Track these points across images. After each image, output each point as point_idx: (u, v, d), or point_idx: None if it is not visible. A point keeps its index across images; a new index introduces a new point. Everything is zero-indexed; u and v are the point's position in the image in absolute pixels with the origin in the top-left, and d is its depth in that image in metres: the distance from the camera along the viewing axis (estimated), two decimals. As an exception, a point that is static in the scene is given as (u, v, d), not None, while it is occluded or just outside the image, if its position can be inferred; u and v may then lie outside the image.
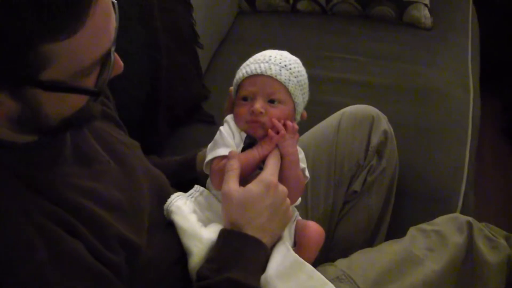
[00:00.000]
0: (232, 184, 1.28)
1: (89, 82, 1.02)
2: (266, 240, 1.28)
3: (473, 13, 2.96)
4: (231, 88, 1.44)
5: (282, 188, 1.31)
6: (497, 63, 3.22)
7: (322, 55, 2.54)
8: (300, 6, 2.86)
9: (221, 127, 1.40)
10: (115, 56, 1.05)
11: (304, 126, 1.68)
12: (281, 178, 1.34)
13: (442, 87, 2.34)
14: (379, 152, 1.71)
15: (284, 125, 1.35)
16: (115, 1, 1.01)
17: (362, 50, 2.57)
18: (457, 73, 2.46)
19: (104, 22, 0.98)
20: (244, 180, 1.32)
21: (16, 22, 0.87)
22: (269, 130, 1.34)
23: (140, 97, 1.92)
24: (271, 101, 1.36)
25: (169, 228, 1.33)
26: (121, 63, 1.09)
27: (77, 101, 1.04)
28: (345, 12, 2.82)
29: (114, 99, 1.49)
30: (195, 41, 2.26)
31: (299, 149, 1.41)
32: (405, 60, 2.50)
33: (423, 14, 2.70)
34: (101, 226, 1.13)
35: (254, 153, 1.35)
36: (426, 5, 2.71)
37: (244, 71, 1.39)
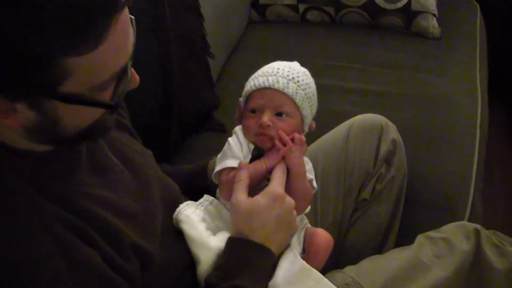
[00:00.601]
0: (240, 194, 1.30)
1: (106, 95, 1.03)
2: (273, 248, 1.30)
3: (481, 22, 2.96)
4: (241, 99, 1.44)
5: (289, 199, 1.32)
6: (505, 72, 3.21)
7: (332, 64, 2.55)
8: (309, 16, 2.87)
9: (229, 139, 1.41)
10: (131, 71, 1.06)
11: (314, 135, 1.67)
12: (289, 190, 1.35)
13: (450, 96, 2.35)
14: (388, 161, 1.72)
15: (291, 137, 1.36)
16: (133, 17, 1.03)
17: (371, 60, 2.58)
18: (465, 82, 2.47)
19: (123, 37, 0.99)
20: (252, 191, 1.33)
21: (39, 36, 0.88)
22: (276, 141, 1.35)
23: (152, 106, 1.94)
24: (279, 114, 1.36)
25: (180, 236, 1.34)
26: (137, 78, 1.10)
27: (93, 114, 1.05)
28: (354, 22, 2.82)
29: (127, 108, 1.50)
30: (206, 51, 2.26)
31: (306, 159, 1.41)
32: (413, 69, 2.51)
33: (431, 24, 2.70)
34: (115, 234, 1.14)
35: (262, 165, 1.35)
36: (434, 15, 2.71)
37: (252, 83, 1.40)
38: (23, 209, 1.01)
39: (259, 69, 1.43)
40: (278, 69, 1.38)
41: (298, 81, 1.37)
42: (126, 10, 0.98)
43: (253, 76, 1.42)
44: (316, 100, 1.43)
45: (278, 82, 1.36)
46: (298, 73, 1.39)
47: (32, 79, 0.93)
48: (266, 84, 1.37)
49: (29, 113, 0.98)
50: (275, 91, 1.36)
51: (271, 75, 1.37)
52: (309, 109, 1.40)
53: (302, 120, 1.40)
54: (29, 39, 0.88)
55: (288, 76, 1.37)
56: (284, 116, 1.36)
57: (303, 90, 1.37)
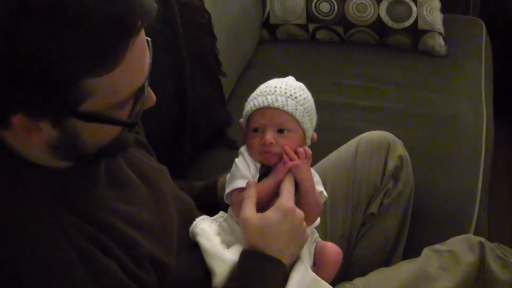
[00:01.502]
0: (248, 211, 1.31)
1: (124, 113, 1.06)
2: (285, 260, 1.31)
3: (487, 40, 2.97)
4: (241, 120, 1.46)
5: (299, 212, 1.34)
6: (511, 88, 3.19)
7: (341, 82, 2.57)
8: (319, 35, 2.89)
9: (236, 160, 1.42)
10: (148, 90, 1.09)
11: (323, 151, 1.71)
12: (299, 203, 1.37)
13: (456, 112, 2.36)
14: (395, 176, 1.73)
15: (296, 152, 1.38)
16: (150, 39, 1.06)
17: (379, 78, 2.60)
18: (470, 100, 2.47)
19: (140, 58, 1.03)
20: (264, 208, 1.34)
21: (64, 60, 0.92)
22: (284, 156, 1.36)
23: (166, 123, 1.96)
24: (281, 131, 1.37)
25: (195, 248, 1.36)
26: (154, 97, 1.13)
27: (112, 131, 1.08)
28: (362, 41, 2.85)
29: (142, 125, 1.51)
30: (218, 69, 2.27)
31: (312, 171, 1.42)
32: (420, 87, 2.52)
33: (438, 42, 2.73)
34: (133, 246, 1.17)
35: (270, 181, 1.37)
36: (440, 33, 2.74)
37: (252, 104, 1.41)
38: (46, 221, 1.05)
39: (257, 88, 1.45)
40: (276, 87, 1.40)
41: (296, 97, 1.39)
42: (142, 33, 1.02)
43: (251, 96, 1.43)
44: (315, 112, 1.44)
45: (277, 100, 1.37)
46: (295, 89, 1.40)
47: (56, 100, 0.96)
48: (266, 104, 1.38)
49: (51, 131, 1.01)
50: (275, 109, 1.38)
51: (269, 94, 1.39)
52: (309, 122, 1.41)
53: (304, 134, 1.41)
54: (54, 63, 0.92)
55: (286, 93, 1.38)
56: (286, 132, 1.37)
57: (301, 105, 1.39)
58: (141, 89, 1.06)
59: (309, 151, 1.39)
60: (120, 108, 1.05)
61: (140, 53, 1.03)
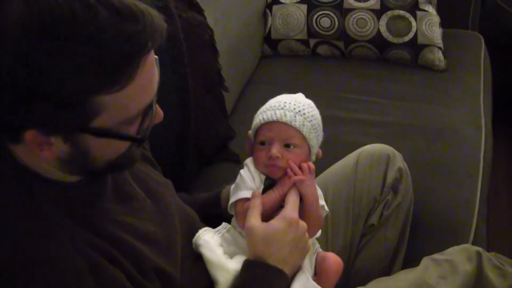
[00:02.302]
0: (254, 220, 1.33)
1: (133, 129, 1.09)
2: (287, 270, 1.33)
3: (485, 54, 2.97)
4: (250, 132, 1.47)
5: (302, 223, 1.36)
6: (510, 102, 3.22)
7: (342, 96, 2.58)
8: (320, 50, 2.90)
9: (241, 171, 1.44)
10: (156, 106, 1.12)
11: (324, 164, 1.73)
12: (302, 216, 1.38)
13: (455, 126, 2.37)
14: (395, 188, 1.74)
15: (300, 167, 1.39)
16: (157, 57, 1.08)
17: (379, 92, 2.61)
18: (469, 113, 2.48)
19: (149, 76, 1.05)
20: (268, 219, 1.35)
21: (77, 77, 0.95)
22: (288, 170, 1.38)
23: (170, 138, 1.96)
24: (287, 146, 1.39)
25: (199, 259, 1.38)
26: (161, 113, 1.16)
27: (121, 146, 1.11)
28: (363, 55, 2.86)
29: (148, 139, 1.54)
30: (221, 84, 2.29)
31: (315, 186, 1.44)
32: (420, 101, 2.53)
33: (437, 57, 2.74)
34: (139, 258, 1.19)
35: (275, 193, 1.39)
36: (440, 48, 2.75)
37: (261, 117, 1.42)
38: (56, 233, 1.07)
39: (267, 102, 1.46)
40: (285, 102, 1.42)
41: (304, 114, 1.40)
42: (152, 52, 1.04)
43: (261, 110, 1.45)
44: (321, 130, 1.46)
45: (285, 115, 1.39)
46: (304, 105, 1.42)
47: (69, 116, 0.99)
48: (274, 118, 1.40)
49: (62, 146, 1.04)
50: (283, 124, 1.39)
51: (278, 109, 1.40)
52: (316, 139, 1.43)
53: (309, 150, 1.43)
54: (68, 81, 0.95)
55: (295, 109, 1.40)
56: (292, 147, 1.39)
57: (309, 122, 1.40)
58: (150, 106, 1.09)
59: (312, 166, 1.41)
60: (129, 124, 1.07)
61: (150, 71, 1.05)
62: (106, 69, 0.97)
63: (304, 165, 1.40)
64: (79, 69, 0.95)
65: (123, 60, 0.98)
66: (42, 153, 1.04)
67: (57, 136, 1.02)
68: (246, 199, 1.39)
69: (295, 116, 1.40)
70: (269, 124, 1.41)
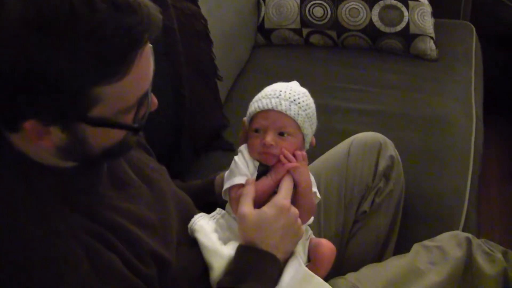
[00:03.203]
0: (246, 206, 1.35)
1: (129, 118, 1.10)
2: (279, 256, 1.35)
3: (477, 44, 2.99)
4: (245, 119, 1.48)
5: (294, 210, 1.37)
6: (501, 91, 3.23)
7: (334, 85, 2.59)
8: (312, 39, 2.91)
9: (235, 157, 1.45)
10: (151, 95, 1.14)
11: (317, 152, 1.74)
12: (296, 204, 1.40)
13: (447, 115, 2.39)
14: (386, 176, 1.76)
15: (294, 155, 1.40)
16: (152, 45, 1.09)
17: (371, 81, 2.62)
18: (461, 102, 2.50)
19: (146, 66, 1.07)
20: (261, 206, 1.37)
21: (76, 68, 0.97)
22: (281, 157, 1.39)
23: (165, 126, 1.98)
24: (281, 134, 1.40)
25: (194, 245, 1.39)
26: (156, 101, 1.17)
27: (118, 135, 1.12)
28: (355, 45, 2.87)
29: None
30: (214, 73, 2.30)
31: (309, 173, 1.45)
32: (411, 90, 2.54)
33: (429, 46, 2.75)
34: (135, 242, 1.20)
35: (268, 180, 1.40)
36: (431, 37, 2.76)
37: (256, 105, 1.43)
38: (53, 218, 1.09)
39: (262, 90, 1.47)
40: (280, 91, 1.43)
41: (299, 103, 1.42)
42: (148, 42, 1.06)
43: (256, 98, 1.46)
44: (315, 119, 1.47)
45: (281, 104, 1.41)
46: (299, 94, 1.43)
47: (68, 107, 1.01)
48: (270, 106, 1.41)
49: (60, 135, 1.06)
50: (278, 113, 1.41)
51: (273, 98, 1.42)
52: (310, 128, 1.45)
53: (303, 138, 1.45)
54: (68, 72, 0.97)
55: (290, 98, 1.41)
56: (286, 135, 1.41)
57: (304, 111, 1.42)
58: (146, 94, 1.11)
59: (304, 154, 1.43)
60: (126, 113, 1.09)
61: (147, 61, 1.08)
62: (105, 61, 0.99)
63: (298, 152, 1.41)
64: (79, 62, 0.97)
65: (122, 52, 1.00)
66: (41, 142, 1.06)
67: (56, 125, 1.04)
68: (240, 185, 1.40)
69: (290, 105, 1.41)
70: (264, 112, 1.43)
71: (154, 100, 1.17)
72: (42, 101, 1.00)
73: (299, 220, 1.39)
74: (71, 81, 0.98)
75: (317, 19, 2.85)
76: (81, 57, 0.97)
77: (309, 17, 2.85)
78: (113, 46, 0.99)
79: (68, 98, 1.00)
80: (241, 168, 1.42)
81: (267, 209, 1.36)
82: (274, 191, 1.41)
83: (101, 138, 1.11)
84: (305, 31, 2.90)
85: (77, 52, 0.97)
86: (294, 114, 1.41)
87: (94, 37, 0.97)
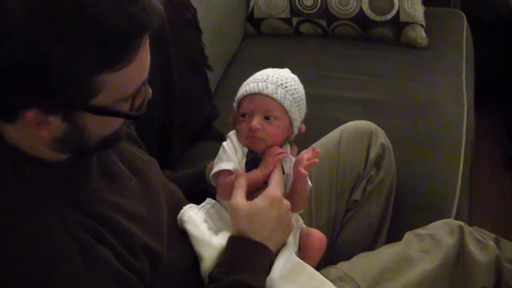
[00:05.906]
0: (239, 198, 1.36)
1: (126, 106, 1.10)
2: (271, 246, 1.36)
3: (467, 32, 2.99)
4: (234, 104, 1.49)
5: (286, 202, 1.39)
6: (491, 79, 3.22)
7: (324, 74, 2.59)
8: (302, 28, 2.90)
9: (224, 143, 1.46)
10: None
11: (308, 141, 1.73)
12: (292, 193, 1.43)
13: (438, 103, 2.39)
14: (377, 164, 1.76)
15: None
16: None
17: (361, 70, 2.62)
18: (452, 90, 2.51)
19: (146, 55, 1.08)
20: (251, 196, 1.38)
21: (81, 57, 0.97)
22: (268, 149, 1.41)
23: (155, 117, 1.97)
24: (267, 118, 1.41)
25: (185, 237, 1.40)
26: (150, 90, 1.17)
27: (116, 123, 1.13)
28: (345, 34, 2.86)
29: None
30: (204, 63, 2.30)
31: None
32: (402, 78, 2.54)
33: (420, 34, 2.75)
34: (126, 235, 1.20)
35: (258, 173, 1.41)
36: (422, 25, 2.76)
37: (243, 89, 1.44)
38: (44, 212, 1.09)
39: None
40: (268, 75, 1.44)
41: (286, 87, 1.42)
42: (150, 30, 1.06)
43: (245, 83, 1.47)
44: (304, 104, 1.47)
45: (267, 87, 1.41)
46: (287, 79, 1.44)
47: (70, 95, 1.02)
48: (256, 90, 1.42)
49: (60, 124, 1.06)
50: (264, 96, 1.41)
51: (261, 81, 1.43)
52: (298, 112, 1.45)
53: (291, 123, 1.45)
54: (72, 62, 0.97)
55: (277, 82, 1.42)
56: (272, 119, 1.41)
57: (291, 95, 1.42)
58: (143, 83, 1.12)
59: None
60: (125, 101, 1.09)
61: (147, 50, 1.08)
62: (109, 49, 0.99)
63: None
64: (83, 50, 0.97)
65: (125, 41, 1.00)
66: (39, 132, 1.05)
67: (57, 115, 1.04)
68: (227, 171, 1.41)
69: (276, 89, 1.42)
70: (251, 96, 1.43)
71: (148, 89, 1.17)
72: (47, 90, 0.99)
73: (290, 213, 1.40)
74: (76, 70, 0.98)
75: (307, 8, 2.84)
76: (85, 45, 0.97)
77: (298, 6, 2.84)
78: (117, 34, 0.99)
79: (72, 87, 1.00)
80: (229, 154, 1.43)
81: (259, 200, 1.36)
82: (265, 182, 1.41)
83: (100, 127, 1.11)
84: (295, 20, 2.89)
85: (81, 40, 0.96)
86: (280, 97, 1.41)
87: (98, 25, 0.97)
